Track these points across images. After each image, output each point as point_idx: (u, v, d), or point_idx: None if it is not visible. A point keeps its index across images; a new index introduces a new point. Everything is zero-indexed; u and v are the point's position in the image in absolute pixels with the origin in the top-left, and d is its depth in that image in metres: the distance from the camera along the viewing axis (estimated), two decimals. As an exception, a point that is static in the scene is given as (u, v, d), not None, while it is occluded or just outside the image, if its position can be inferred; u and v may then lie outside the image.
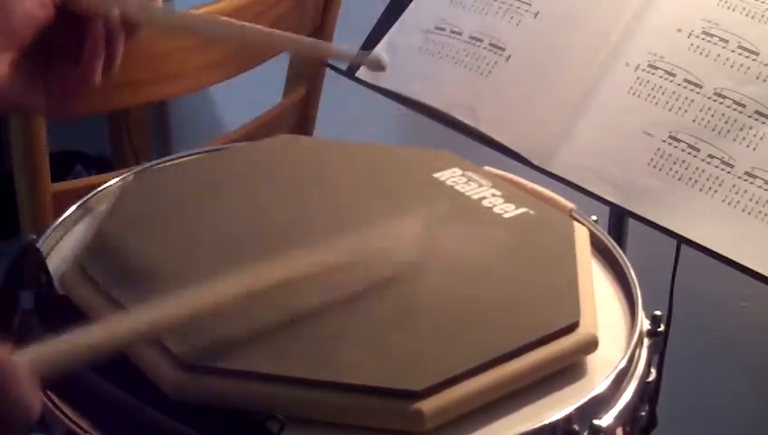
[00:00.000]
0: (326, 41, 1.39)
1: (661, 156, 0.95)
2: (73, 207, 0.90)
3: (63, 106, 0.83)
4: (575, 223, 0.89)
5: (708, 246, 0.90)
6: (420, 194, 0.92)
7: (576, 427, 0.69)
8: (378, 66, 0.87)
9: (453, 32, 1.10)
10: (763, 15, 0.97)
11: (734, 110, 0.95)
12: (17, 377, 0.57)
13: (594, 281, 0.82)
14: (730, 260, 0.89)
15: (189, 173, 0.95)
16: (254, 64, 1.30)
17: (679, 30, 0.99)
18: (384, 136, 1.70)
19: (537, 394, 0.72)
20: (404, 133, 1.69)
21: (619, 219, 1.10)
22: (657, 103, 0.97)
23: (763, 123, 0.93)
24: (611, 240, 0.89)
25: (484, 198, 0.91)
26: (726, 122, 0.94)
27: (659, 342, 0.80)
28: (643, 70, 0.99)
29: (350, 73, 1.13)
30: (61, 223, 0.88)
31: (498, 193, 0.92)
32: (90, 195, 0.92)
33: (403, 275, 0.80)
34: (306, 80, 1.41)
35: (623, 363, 0.75)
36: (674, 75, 0.98)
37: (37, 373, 0.59)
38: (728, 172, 0.93)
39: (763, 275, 0.88)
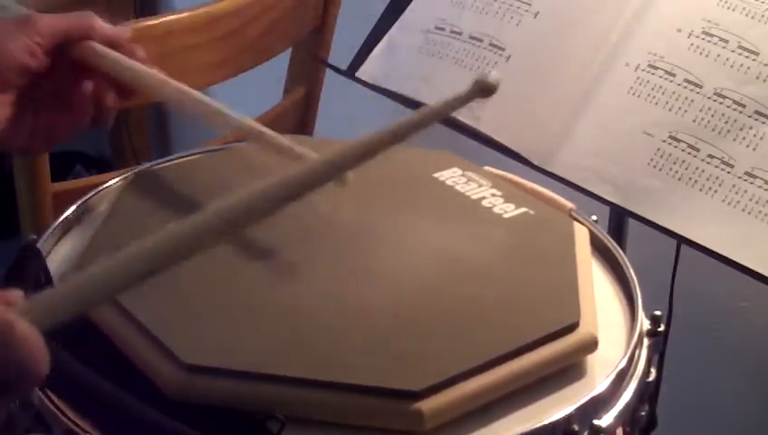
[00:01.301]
0: (326, 41, 1.39)
1: (661, 156, 0.95)
2: (73, 207, 0.90)
3: (48, 147, 0.84)
4: (575, 223, 0.89)
5: (708, 246, 0.90)
6: (420, 194, 0.92)
7: (576, 427, 0.69)
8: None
9: (453, 32, 1.10)
10: (763, 15, 0.97)
11: (734, 110, 0.94)
12: (19, 336, 0.55)
13: (594, 281, 0.82)
14: (730, 260, 0.89)
15: (189, 173, 0.95)
16: (254, 64, 1.30)
17: (679, 30, 0.99)
18: (384, 136, 1.69)
19: (537, 394, 0.72)
20: (404, 133, 1.69)
21: (619, 219, 1.10)
22: (657, 103, 0.97)
23: (763, 123, 0.93)
24: (611, 240, 0.89)
25: (483, 198, 0.91)
26: (726, 122, 0.94)
27: (659, 342, 0.80)
28: (643, 70, 0.99)
29: (350, 73, 1.13)
30: (61, 223, 0.88)
31: (498, 193, 0.92)
32: (90, 195, 0.92)
33: (403, 276, 0.80)
34: (306, 80, 1.41)
35: (623, 363, 0.75)
36: (674, 75, 0.98)
37: (40, 326, 0.57)
38: (728, 172, 0.93)
39: (763, 275, 0.88)
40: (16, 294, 0.57)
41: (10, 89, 0.80)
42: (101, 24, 0.84)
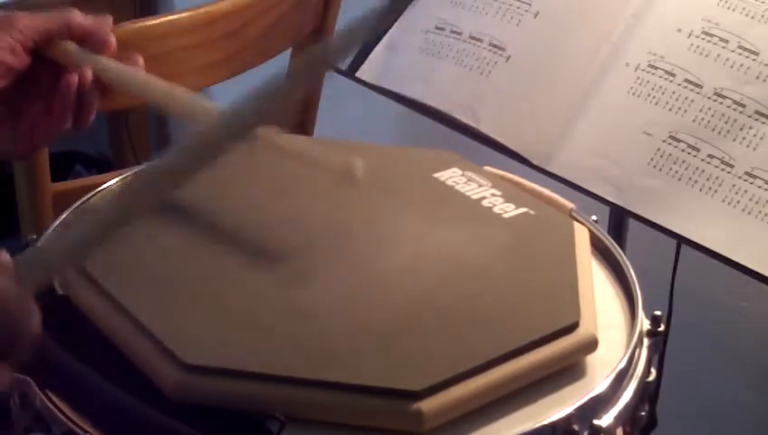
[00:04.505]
0: (326, 41, 1.39)
1: (661, 156, 0.95)
2: (73, 207, 0.90)
3: (32, 149, 0.83)
4: (575, 223, 0.89)
5: (708, 246, 0.90)
6: (420, 194, 0.92)
7: (576, 427, 0.69)
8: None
9: (453, 32, 1.10)
10: (762, 15, 0.97)
11: (734, 110, 0.95)
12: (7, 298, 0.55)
13: (594, 281, 0.82)
14: (730, 260, 0.89)
15: (189, 173, 0.95)
16: (253, 64, 1.30)
17: (679, 30, 0.99)
18: (384, 136, 1.70)
19: (537, 394, 0.72)
20: (404, 133, 1.69)
21: (619, 219, 1.10)
22: (657, 103, 0.97)
23: (763, 123, 0.93)
24: (611, 240, 0.89)
25: (484, 198, 0.91)
26: (726, 122, 0.94)
27: (659, 342, 0.80)
28: (643, 70, 0.99)
29: (350, 73, 1.13)
30: (61, 223, 0.88)
31: (498, 193, 0.92)
32: (90, 195, 0.92)
33: (403, 275, 0.80)
34: (306, 80, 1.40)
35: (623, 363, 0.75)
36: (674, 75, 0.98)
37: (28, 284, 0.57)
38: (728, 172, 0.93)
39: (763, 275, 0.88)
40: (2, 256, 0.57)
41: None
42: (80, 21, 0.82)
